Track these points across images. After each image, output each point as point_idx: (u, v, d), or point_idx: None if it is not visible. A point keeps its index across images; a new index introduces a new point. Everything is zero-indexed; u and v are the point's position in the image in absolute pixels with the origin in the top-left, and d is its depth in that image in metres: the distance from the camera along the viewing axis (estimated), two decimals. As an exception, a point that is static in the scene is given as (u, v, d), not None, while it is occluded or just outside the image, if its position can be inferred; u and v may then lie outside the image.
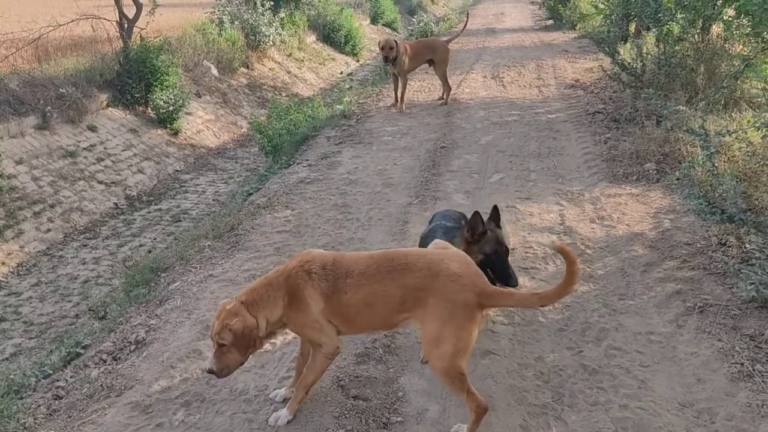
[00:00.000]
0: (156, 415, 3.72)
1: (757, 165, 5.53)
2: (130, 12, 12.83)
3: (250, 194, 8.35)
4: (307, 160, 8.56)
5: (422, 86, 12.63)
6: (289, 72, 18.11)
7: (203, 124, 13.76)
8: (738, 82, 7.88)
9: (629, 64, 9.48)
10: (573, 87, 11.73)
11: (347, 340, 4.31)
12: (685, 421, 3.43)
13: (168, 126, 12.67)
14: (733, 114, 7.53)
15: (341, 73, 19.95)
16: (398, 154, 8.38)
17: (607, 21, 14.06)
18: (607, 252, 5.39)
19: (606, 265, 5.16)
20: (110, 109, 12.13)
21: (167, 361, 4.23)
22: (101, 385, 4.11)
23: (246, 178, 11.05)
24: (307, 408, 3.66)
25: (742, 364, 3.82)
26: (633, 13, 12.21)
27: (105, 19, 12.46)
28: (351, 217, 6.39)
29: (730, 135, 5.14)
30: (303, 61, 19.31)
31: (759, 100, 7.19)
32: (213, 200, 10.49)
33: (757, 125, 4.95)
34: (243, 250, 5.85)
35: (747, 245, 4.95)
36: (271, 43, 17.67)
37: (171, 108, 12.46)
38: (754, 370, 3.75)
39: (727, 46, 8.66)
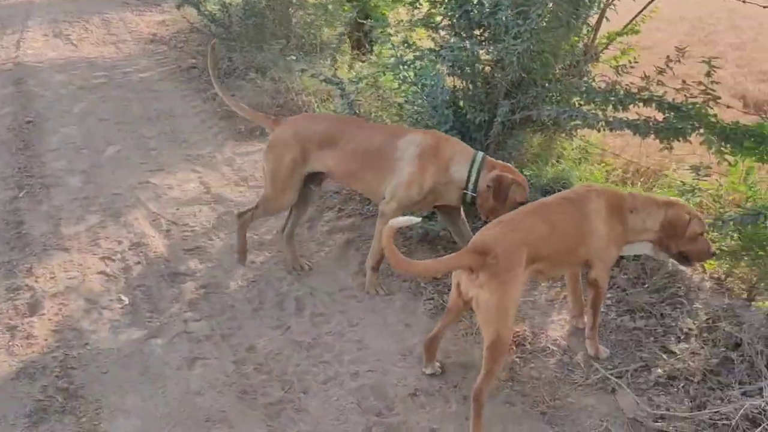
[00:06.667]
0: None
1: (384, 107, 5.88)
2: None
3: None
4: None
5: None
6: None
7: None
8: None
9: (217, 16, 9.15)
10: (153, 42, 10.85)
11: None
12: (414, 369, 3.44)
13: None
14: (321, 60, 7.90)
15: None
16: (-34, 137, 6.56)
17: (170, -31, 13.34)
18: (265, 215, 5.12)
19: (271, 229, 4.88)
20: None
21: None
22: None
23: None
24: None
25: (433, 299, 4.02)
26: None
27: None
28: (-70, 230, 4.75)
29: (361, 81, 5.32)
30: None
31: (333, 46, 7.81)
32: None
33: (386, 71, 5.22)
34: None
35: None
36: None
37: None
38: (444, 301, 3.96)
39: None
